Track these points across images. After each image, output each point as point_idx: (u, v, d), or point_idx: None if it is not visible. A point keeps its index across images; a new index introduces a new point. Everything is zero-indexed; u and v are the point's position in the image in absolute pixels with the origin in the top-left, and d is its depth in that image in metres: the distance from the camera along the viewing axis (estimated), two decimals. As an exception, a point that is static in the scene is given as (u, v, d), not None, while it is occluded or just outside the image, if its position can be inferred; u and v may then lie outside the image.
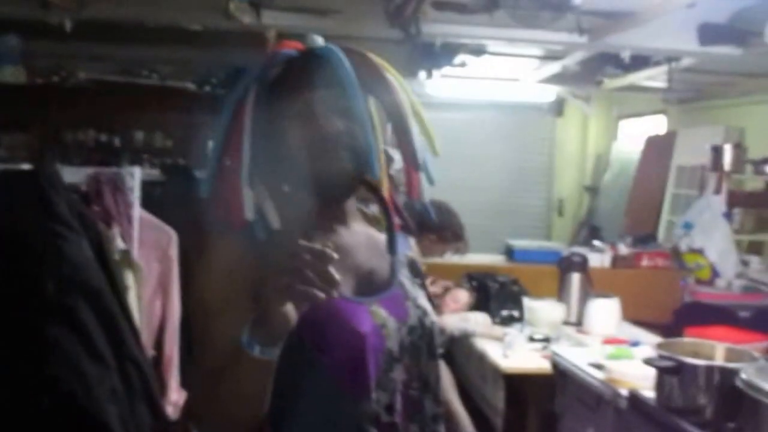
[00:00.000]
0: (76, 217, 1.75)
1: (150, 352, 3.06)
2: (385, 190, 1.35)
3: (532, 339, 3.62)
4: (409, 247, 1.43)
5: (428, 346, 1.31)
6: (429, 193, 1.36)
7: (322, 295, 1.04)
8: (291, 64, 1.28)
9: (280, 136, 1.25)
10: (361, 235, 1.35)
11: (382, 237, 1.37)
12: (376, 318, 1.25)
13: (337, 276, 1.04)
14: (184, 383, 3.10)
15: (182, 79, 6.13)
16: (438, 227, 3.43)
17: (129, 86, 6.03)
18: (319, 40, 1.31)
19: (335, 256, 1.05)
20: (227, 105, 1.27)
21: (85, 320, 1.63)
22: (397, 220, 1.38)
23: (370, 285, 1.30)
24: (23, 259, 1.62)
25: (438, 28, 3.86)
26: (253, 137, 1.22)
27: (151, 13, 4.34)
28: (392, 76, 1.32)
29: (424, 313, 1.32)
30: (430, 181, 1.33)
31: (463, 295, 4.04)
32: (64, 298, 1.61)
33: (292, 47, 1.32)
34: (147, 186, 3.61)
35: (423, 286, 1.40)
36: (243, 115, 1.23)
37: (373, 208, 1.43)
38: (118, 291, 1.87)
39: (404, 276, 1.35)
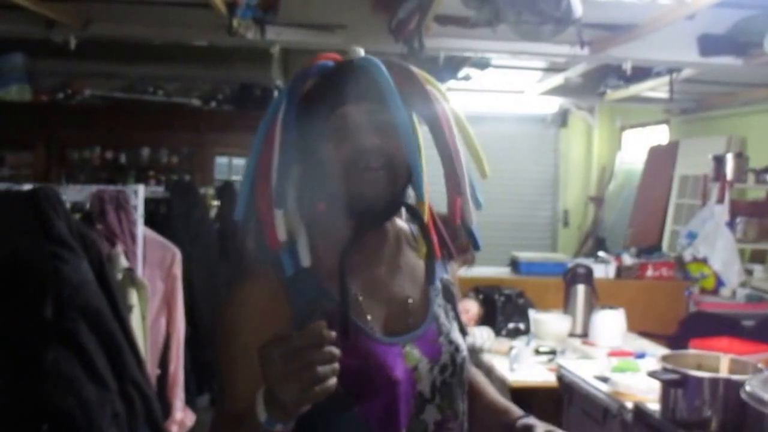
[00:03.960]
0: (77, 238, 1.75)
1: (155, 371, 3.07)
2: (427, 213, 1.22)
3: (538, 352, 3.62)
4: (446, 270, 1.34)
5: (460, 383, 1.25)
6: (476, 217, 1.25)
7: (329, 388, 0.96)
8: (326, 77, 1.19)
9: (315, 154, 1.16)
10: (398, 261, 1.26)
11: (420, 263, 1.27)
12: (409, 360, 1.19)
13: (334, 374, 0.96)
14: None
15: (188, 96, 6.14)
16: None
17: (134, 103, 6.02)
18: (360, 52, 1.22)
19: (335, 352, 0.96)
20: (262, 124, 1.19)
21: (85, 343, 1.61)
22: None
23: (403, 319, 1.22)
24: (22, 282, 1.61)
25: (441, 42, 3.88)
26: (287, 156, 1.14)
27: (156, 30, 4.33)
28: (436, 90, 1.22)
29: (456, 348, 1.25)
30: (478, 206, 1.23)
31: (473, 307, 4.03)
32: (64, 320, 1.60)
33: (329, 59, 1.23)
34: (152, 203, 3.63)
35: (455, 312, 1.31)
36: (274, 132, 1.16)
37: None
38: (120, 312, 1.86)
39: (438, 305, 1.27)
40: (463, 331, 1.31)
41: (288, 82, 1.23)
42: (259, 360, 0.96)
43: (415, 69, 1.22)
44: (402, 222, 1.32)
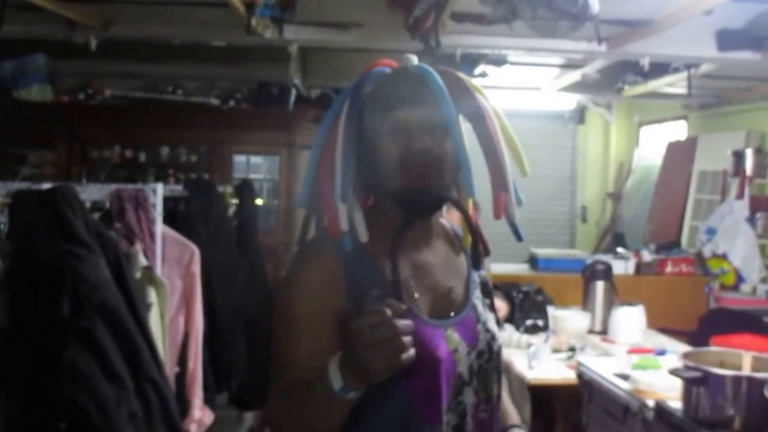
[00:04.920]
0: (94, 237, 1.76)
1: (174, 369, 3.07)
2: (470, 207, 1.34)
3: (557, 349, 3.60)
4: (484, 266, 1.43)
5: (495, 370, 1.33)
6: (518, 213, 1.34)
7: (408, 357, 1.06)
8: (385, 82, 1.30)
9: (372, 151, 1.27)
10: (441, 253, 1.35)
11: (461, 259, 1.38)
12: (450, 343, 1.26)
13: (410, 347, 1.06)
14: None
15: (206, 95, 6.18)
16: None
17: (154, 103, 6.07)
18: (414, 60, 1.33)
19: (412, 324, 1.07)
20: (325, 121, 1.30)
21: (102, 341, 1.62)
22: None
23: (446, 305, 1.31)
24: (39, 280, 1.62)
25: (458, 39, 3.88)
26: (347, 152, 1.25)
27: (175, 31, 4.38)
28: (481, 94, 1.32)
29: (493, 337, 1.33)
30: (519, 202, 1.32)
31: (503, 305, 4.02)
32: (81, 319, 1.60)
33: (386, 65, 1.34)
34: (171, 201, 3.64)
35: (492, 307, 1.40)
36: (336, 130, 1.27)
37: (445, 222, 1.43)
38: (138, 311, 1.87)
39: (477, 298, 1.36)
40: (498, 323, 1.40)
41: (350, 85, 1.32)
42: (347, 330, 1.06)
43: (462, 75, 1.33)
44: (445, 221, 1.42)
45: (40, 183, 3.00)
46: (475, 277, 1.39)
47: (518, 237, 1.35)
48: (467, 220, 1.35)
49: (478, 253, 1.37)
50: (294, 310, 1.22)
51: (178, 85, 6.16)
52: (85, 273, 1.64)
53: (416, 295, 1.27)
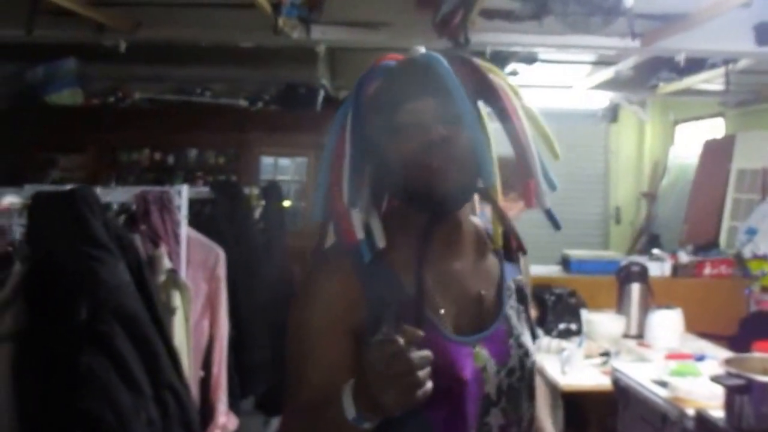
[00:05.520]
0: (114, 239, 1.71)
1: (198, 373, 3.04)
2: (499, 196, 1.25)
3: (590, 355, 3.50)
4: (519, 270, 1.32)
5: (527, 389, 1.23)
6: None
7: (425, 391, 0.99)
8: (390, 76, 1.21)
9: (385, 151, 1.18)
10: (470, 257, 1.25)
11: (495, 261, 1.28)
12: (478, 360, 1.17)
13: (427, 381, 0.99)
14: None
15: (234, 97, 6.18)
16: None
17: (182, 105, 6.08)
18: (421, 50, 1.24)
19: (430, 356, 1.00)
20: (333, 127, 1.23)
21: (119, 347, 1.58)
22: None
23: (475, 318, 1.21)
24: (57, 283, 1.58)
25: (487, 36, 3.79)
26: (358, 154, 1.18)
27: (203, 32, 4.38)
28: (500, 78, 1.24)
29: (526, 353, 1.23)
30: (552, 186, 1.24)
31: (532, 309, 3.92)
32: (99, 323, 1.56)
33: (391, 59, 1.26)
34: (197, 204, 3.63)
35: (527, 314, 1.29)
36: (344, 135, 1.20)
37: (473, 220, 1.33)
38: (159, 316, 1.82)
39: (510, 307, 1.25)
40: (534, 336, 1.29)
41: (354, 85, 1.24)
42: (362, 363, 1.00)
43: (476, 59, 1.24)
44: (477, 219, 1.32)
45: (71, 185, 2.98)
46: (510, 282, 1.27)
47: (556, 225, 1.26)
48: (497, 212, 1.25)
49: (511, 250, 1.28)
50: (309, 325, 1.15)
51: (207, 87, 6.18)
52: (103, 276, 1.59)
53: (441, 310, 1.17)
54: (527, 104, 1.24)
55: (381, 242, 1.17)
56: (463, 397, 1.14)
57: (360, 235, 1.16)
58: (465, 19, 3.22)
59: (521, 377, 1.21)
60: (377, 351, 0.98)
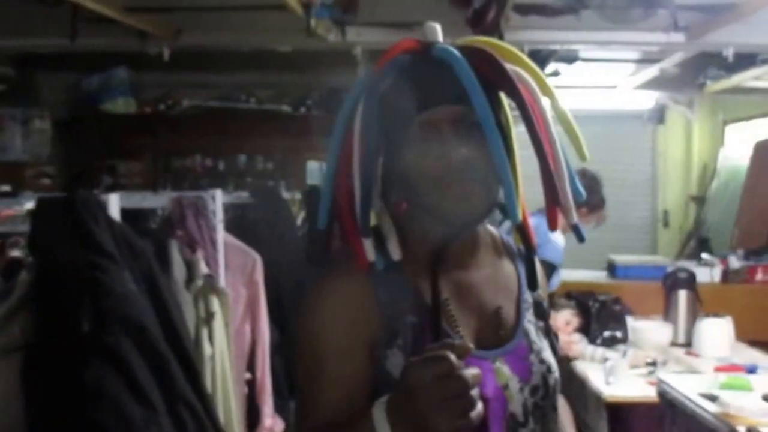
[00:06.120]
0: (124, 247, 1.66)
1: (243, 376, 3.04)
2: (521, 210, 1.14)
3: (636, 364, 3.38)
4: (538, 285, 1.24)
5: (552, 407, 1.15)
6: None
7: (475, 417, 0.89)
8: (404, 75, 1.09)
9: (400, 162, 1.08)
10: (488, 268, 1.17)
11: (510, 269, 1.20)
12: (500, 377, 1.09)
13: (478, 401, 0.89)
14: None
15: (279, 102, 6.23)
16: (589, 199, 3.42)
17: (229, 112, 6.16)
18: (435, 30, 1.12)
19: (480, 374, 0.91)
20: (337, 127, 1.12)
21: (128, 358, 1.51)
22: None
23: (493, 331, 1.13)
24: (59, 293, 1.53)
25: (523, 34, 3.69)
26: (369, 163, 1.06)
27: (239, 37, 4.38)
28: (523, 68, 1.11)
29: (548, 369, 1.14)
30: (579, 196, 1.12)
31: (574, 319, 3.80)
32: (104, 334, 1.49)
33: (406, 49, 1.11)
34: (238, 208, 3.67)
35: (547, 330, 1.21)
36: (352, 137, 1.08)
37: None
38: (174, 325, 1.76)
39: (529, 321, 1.17)
40: (555, 351, 1.19)
41: (363, 79, 1.11)
42: (407, 382, 0.89)
43: (500, 46, 1.13)
44: (492, 228, 1.23)
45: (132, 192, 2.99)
46: (528, 296, 1.19)
47: (580, 237, 1.16)
48: (519, 230, 1.16)
49: (533, 267, 1.17)
50: (320, 338, 1.06)
51: (251, 93, 6.23)
52: (107, 285, 1.53)
53: (459, 325, 1.08)
54: (555, 96, 1.12)
55: (396, 255, 1.08)
56: (485, 416, 1.01)
57: (371, 257, 1.06)
58: (498, 14, 3.13)
59: (545, 395, 1.12)
60: (426, 369, 0.88)
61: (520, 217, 1.08)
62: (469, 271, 1.14)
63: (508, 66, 1.09)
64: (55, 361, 1.48)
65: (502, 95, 1.13)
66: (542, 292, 1.24)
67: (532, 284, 1.18)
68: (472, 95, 1.02)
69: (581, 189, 1.12)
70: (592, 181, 3.60)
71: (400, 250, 1.08)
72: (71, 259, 1.56)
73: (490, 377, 1.07)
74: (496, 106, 1.07)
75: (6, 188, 2.77)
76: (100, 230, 1.59)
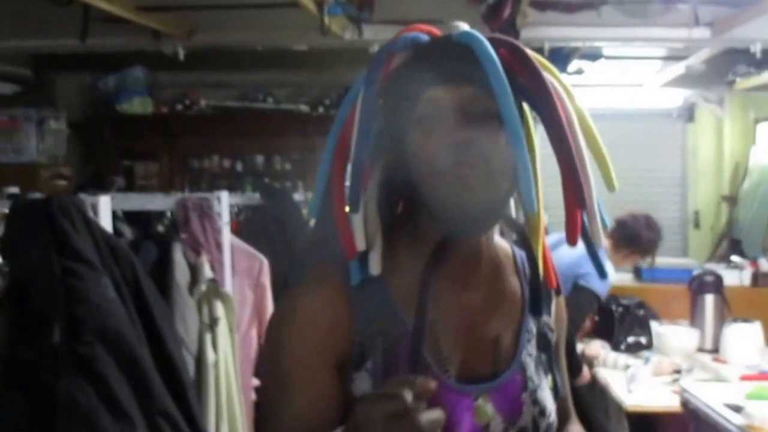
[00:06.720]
0: (106, 253, 1.59)
1: (251, 382, 2.98)
2: (540, 229, 1.02)
3: (660, 372, 3.25)
4: (549, 309, 1.10)
5: None
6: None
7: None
8: (417, 53, 0.97)
9: (400, 146, 0.97)
10: (489, 288, 1.04)
11: (517, 292, 1.06)
12: (480, 416, 0.97)
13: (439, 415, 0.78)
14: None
15: (296, 102, 6.17)
16: (637, 242, 3.39)
17: (246, 111, 6.10)
18: (462, 26, 0.99)
19: (442, 418, 0.79)
20: (343, 105, 1.01)
21: (103, 370, 1.43)
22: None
23: (485, 360, 1.01)
24: (30, 301, 1.45)
25: (542, 31, 3.57)
26: (364, 147, 0.95)
27: (255, 35, 4.32)
28: (555, 79, 0.99)
29: (542, 412, 1.01)
30: (604, 224, 0.99)
31: (598, 351, 3.65)
32: (78, 344, 1.42)
33: (422, 31, 1.00)
34: (248, 210, 3.61)
35: (550, 365, 1.08)
36: (352, 121, 0.97)
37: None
38: (159, 333, 1.68)
39: (529, 354, 1.04)
40: (557, 393, 1.06)
41: (372, 57, 0.99)
42: (355, 419, 0.79)
43: (528, 50, 0.98)
44: (504, 242, 1.09)
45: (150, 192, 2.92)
46: (531, 324, 1.05)
47: (601, 273, 1.03)
48: (527, 250, 1.02)
49: (538, 291, 1.03)
50: (286, 350, 0.96)
51: (269, 93, 6.18)
52: (82, 292, 1.45)
53: (443, 353, 0.96)
54: (587, 118, 0.99)
55: (375, 268, 0.96)
56: None
57: (360, 245, 0.95)
58: (514, 10, 3.02)
59: None
60: (376, 407, 0.77)
61: (536, 205, 0.94)
62: (468, 290, 1.01)
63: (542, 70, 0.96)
64: (26, 373, 1.41)
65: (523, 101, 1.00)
66: (558, 321, 1.11)
67: (535, 309, 1.04)
68: (490, 71, 0.90)
69: (606, 218, 0.99)
70: (645, 229, 3.49)
71: (381, 263, 0.97)
72: (45, 265, 1.48)
73: (467, 416, 0.96)
74: (517, 98, 0.94)
75: (15, 190, 2.71)
76: (78, 235, 1.52)
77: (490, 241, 1.04)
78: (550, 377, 1.06)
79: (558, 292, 1.10)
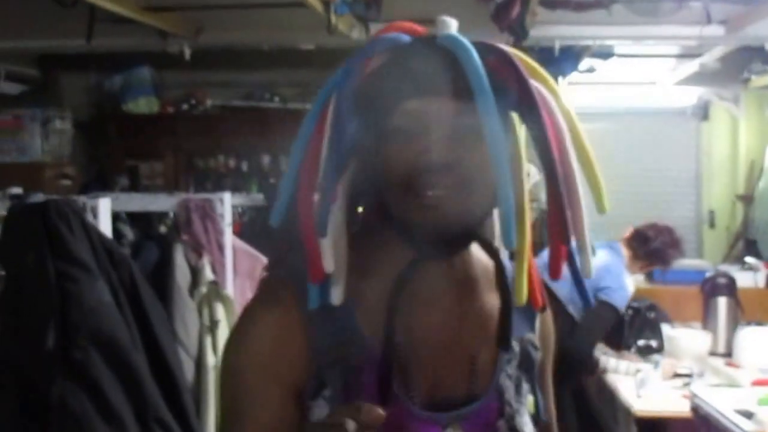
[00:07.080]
0: (103, 256, 1.55)
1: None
2: (526, 250, 0.92)
3: (676, 374, 3.19)
4: (532, 326, 1.02)
5: None
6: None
7: None
8: (396, 56, 0.90)
9: (372, 157, 0.89)
10: (470, 306, 0.96)
11: (494, 302, 0.96)
12: None
13: None
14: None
15: (302, 101, 6.13)
16: (658, 257, 3.39)
17: (252, 111, 6.08)
18: (450, 24, 0.93)
19: (380, 415, 0.72)
20: (314, 106, 0.94)
21: (96, 375, 1.40)
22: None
23: (458, 384, 0.93)
24: (24, 305, 1.43)
25: (553, 30, 3.53)
26: (336, 157, 0.88)
27: (262, 34, 4.33)
28: (546, 87, 0.91)
29: None
30: (592, 251, 0.92)
31: None
32: (72, 349, 1.39)
33: (404, 30, 0.94)
34: (252, 211, 3.59)
35: (533, 387, 1.00)
36: (323, 125, 0.90)
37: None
38: (156, 338, 1.65)
39: (508, 376, 0.96)
40: (538, 418, 0.98)
41: (346, 59, 0.93)
42: None
43: (519, 56, 0.91)
44: (483, 253, 1.00)
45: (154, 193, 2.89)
46: (514, 342, 0.97)
47: (586, 301, 0.94)
48: (499, 273, 0.93)
49: (508, 321, 0.92)
50: (236, 378, 0.91)
51: (275, 92, 6.15)
52: (77, 296, 1.43)
53: (412, 377, 0.89)
54: (579, 131, 0.91)
55: (337, 297, 0.89)
56: None
57: (329, 268, 0.87)
58: (523, 9, 2.97)
59: None
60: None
61: (514, 242, 0.85)
62: (440, 309, 0.94)
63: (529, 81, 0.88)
64: (19, 377, 1.38)
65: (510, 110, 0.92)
66: (544, 340, 1.03)
67: (503, 340, 0.94)
68: (474, 83, 0.83)
69: (594, 245, 0.92)
70: (666, 242, 3.44)
71: (343, 290, 0.89)
72: (40, 269, 1.45)
73: None
74: (504, 112, 0.87)
75: (18, 190, 2.69)
76: (75, 239, 1.49)
77: (465, 256, 0.96)
78: (532, 400, 0.98)
79: (543, 310, 1.02)
